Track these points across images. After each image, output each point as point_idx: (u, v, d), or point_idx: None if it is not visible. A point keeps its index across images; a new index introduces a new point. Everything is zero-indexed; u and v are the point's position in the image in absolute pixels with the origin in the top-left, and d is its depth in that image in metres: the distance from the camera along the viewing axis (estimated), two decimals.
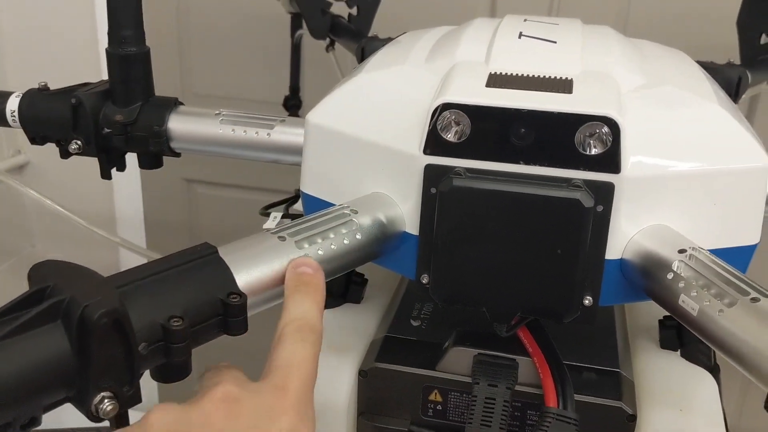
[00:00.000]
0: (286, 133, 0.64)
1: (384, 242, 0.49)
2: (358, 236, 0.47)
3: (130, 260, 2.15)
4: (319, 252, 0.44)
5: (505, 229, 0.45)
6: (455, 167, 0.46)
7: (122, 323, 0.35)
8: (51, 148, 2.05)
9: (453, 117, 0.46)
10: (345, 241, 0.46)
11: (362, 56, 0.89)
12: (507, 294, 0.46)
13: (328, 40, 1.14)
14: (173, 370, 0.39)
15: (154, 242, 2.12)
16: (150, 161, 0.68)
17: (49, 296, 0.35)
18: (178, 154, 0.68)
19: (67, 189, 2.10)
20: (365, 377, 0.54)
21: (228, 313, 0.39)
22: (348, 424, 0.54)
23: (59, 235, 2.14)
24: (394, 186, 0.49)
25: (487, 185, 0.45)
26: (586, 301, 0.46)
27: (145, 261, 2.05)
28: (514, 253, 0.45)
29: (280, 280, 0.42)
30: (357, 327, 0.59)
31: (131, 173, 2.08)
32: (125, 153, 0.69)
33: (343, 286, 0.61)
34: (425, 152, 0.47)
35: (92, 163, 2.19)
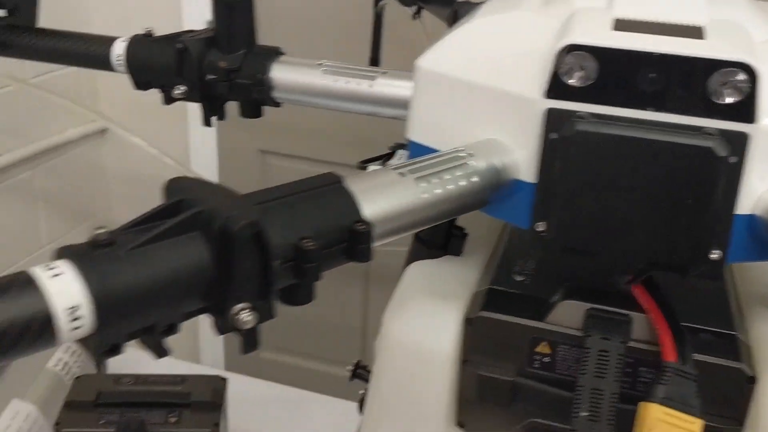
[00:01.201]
0: (387, 85, 0.63)
1: (497, 189, 0.48)
2: (474, 179, 0.46)
3: None
4: (436, 191, 0.44)
5: (630, 177, 0.44)
6: (578, 112, 0.45)
7: (261, 237, 0.35)
8: (132, 115, 2.10)
9: (577, 60, 0.45)
10: (461, 183, 0.46)
11: (454, 20, 0.88)
12: (630, 245, 0.45)
13: (415, 7, 1.13)
14: (300, 293, 0.39)
15: None
16: (251, 110, 0.69)
17: (185, 209, 0.36)
18: (278, 104, 0.68)
19: (146, 155, 2.15)
20: (471, 326, 0.54)
21: (354, 240, 0.39)
22: (452, 371, 0.54)
23: (136, 199, 2.20)
24: (510, 131, 0.48)
25: (613, 130, 0.44)
26: (714, 255, 0.44)
27: None
28: (639, 202, 0.44)
29: (401, 214, 0.42)
30: (459, 278, 0.58)
31: (209, 141, 2.12)
32: (226, 101, 0.70)
33: (444, 237, 0.60)
34: (547, 96, 0.46)
35: (170, 131, 2.23)
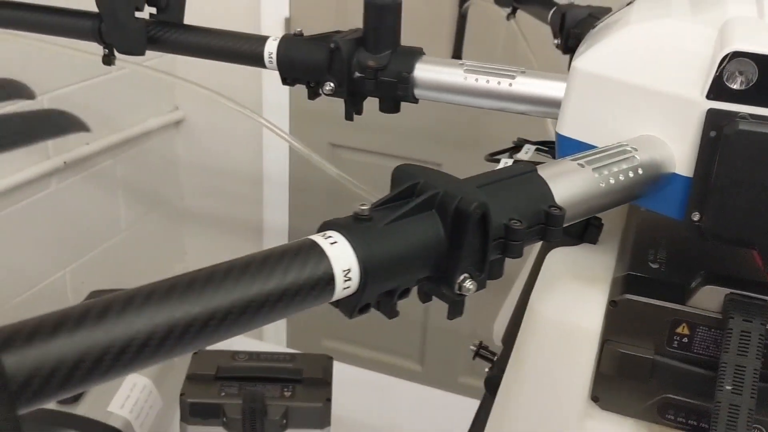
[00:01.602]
0: (527, 84, 0.68)
1: (655, 181, 0.53)
2: (639, 171, 0.51)
3: (274, 218, 2.27)
4: (610, 181, 0.49)
5: None
6: (737, 113, 0.50)
7: (486, 216, 0.40)
8: (206, 106, 2.18)
9: (739, 65, 0.50)
10: (629, 175, 0.51)
11: (562, 23, 0.93)
12: None
13: (510, 8, 1.18)
14: (498, 268, 0.44)
15: (296, 202, 2.23)
16: (390, 106, 0.75)
17: (420, 191, 0.41)
18: (416, 101, 0.74)
19: (219, 146, 2.23)
20: (615, 307, 0.59)
21: (549, 222, 0.45)
22: (595, 349, 0.59)
23: (207, 189, 2.28)
24: (669, 129, 0.53)
25: None
26: None
27: (286, 220, 2.16)
28: None
29: (582, 201, 0.47)
30: (599, 264, 0.63)
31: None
32: (366, 97, 0.75)
33: (582, 227, 0.65)
34: (708, 97, 0.51)
35: (243, 124, 2.31)
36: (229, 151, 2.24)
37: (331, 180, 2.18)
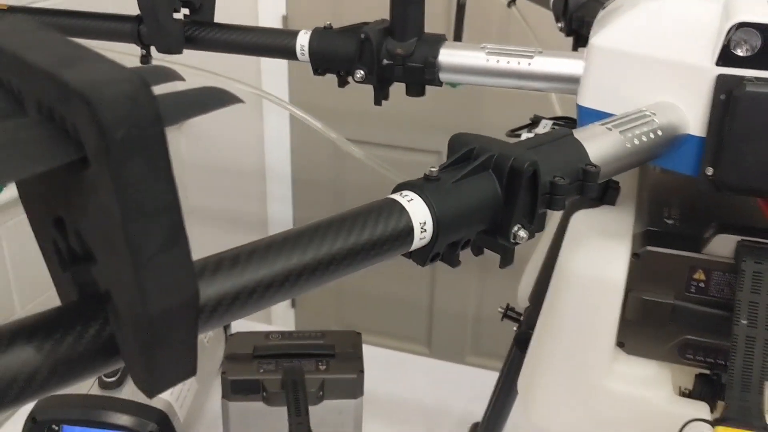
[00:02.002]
0: (544, 63, 0.74)
1: (672, 142, 0.59)
2: (659, 133, 0.58)
3: (279, 212, 2.32)
4: (635, 142, 0.56)
5: None
6: (744, 77, 0.56)
7: (537, 174, 0.47)
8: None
9: (744, 35, 0.56)
10: (651, 137, 0.57)
11: (565, 7, 0.99)
12: None
13: None
14: (541, 221, 0.51)
15: (300, 197, 2.29)
16: (417, 90, 0.81)
17: (477, 155, 0.48)
18: (441, 84, 0.80)
19: (221, 144, 2.29)
20: (638, 259, 0.65)
21: (587, 178, 0.51)
22: (620, 298, 0.66)
23: (212, 187, 2.33)
24: (682, 95, 0.60)
25: None
26: None
27: (290, 213, 2.22)
28: None
29: (613, 160, 0.54)
30: (619, 222, 0.69)
31: (283, 129, 2.24)
32: (392, 84, 0.81)
33: (602, 190, 0.72)
34: (717, 64, 0.57)
35: (245, 120, 2.37)
36: (232, 148, 2.30)
37: (333, 171, 2.24)
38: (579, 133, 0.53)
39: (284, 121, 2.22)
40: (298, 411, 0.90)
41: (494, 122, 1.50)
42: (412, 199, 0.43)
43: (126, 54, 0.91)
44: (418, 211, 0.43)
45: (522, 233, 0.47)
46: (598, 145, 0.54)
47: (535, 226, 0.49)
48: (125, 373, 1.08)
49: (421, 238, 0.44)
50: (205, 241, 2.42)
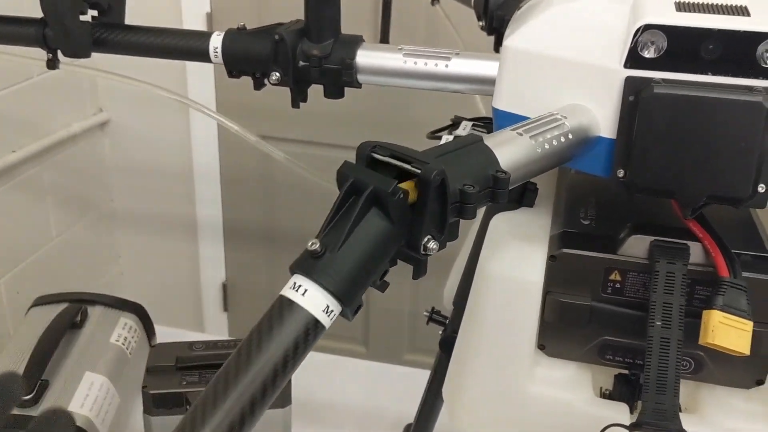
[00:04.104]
0: (461, 65, 0.74)
1: (584, 145, 0.59)
2: (570, 136, 0.57)
3: (208, 214, 2.27)
4: (546, 146, 0.55)
5: (696, 128, 0.55)
6: (652, 78, 0.56)
7: (445, 183, 0.45)
8: (131, 107, 2.18)
9: (651, 37, 0.56)
10: (561, 140, 0.57)
11: (486, 6, 0.99)
12: (695, 183, 0.57)
13: None
14: (455, 229, 0.50)
15: (229, 198, 2.24)
16: (335, 92, 0.79)
17: (358, 189, 0.47)
18: (360, 86, 0.78)
19: (147, 144, 2.22)
20: (554, 261, 0.65)
21: (497, 185, 0.50)
22: (539, 300, 0.65)
23: (137, 189, 2.26)
24: (592, 97, 0.60)
25: (682, 91, 0.55)
26: (761, 189, 0.56)
27: (220, 214, 2.17)
28: (703, 148, 0.56)
29: (523, 165, 0.53)
30: (537, 224, 0.69)
31: (209, 130, 2.20)
32: (310, 85, 0.79)
33: (520, 193, 0.71)
34: (625, 66, 0.57)
35: (171, 120, 2.31)
36: (158, 150, 2.23)
37: (262, 172, 2.20)
38: (489, 140, 0.53)
39: (211, 120, 2.17)
40: None
41: (424, 118, 1.50)
42: (306, 290, 0.43)
43: (33, 59, 0.86)
44: (315, 300, 0.43)
45: (432, 245, 0.46)
46: (509, 150, 0.53)
47: (447, 236, 0.48)
48: (41, 391, 1.04)
49: (331, 317, 0.44)
50: (132, 244, 2.35)
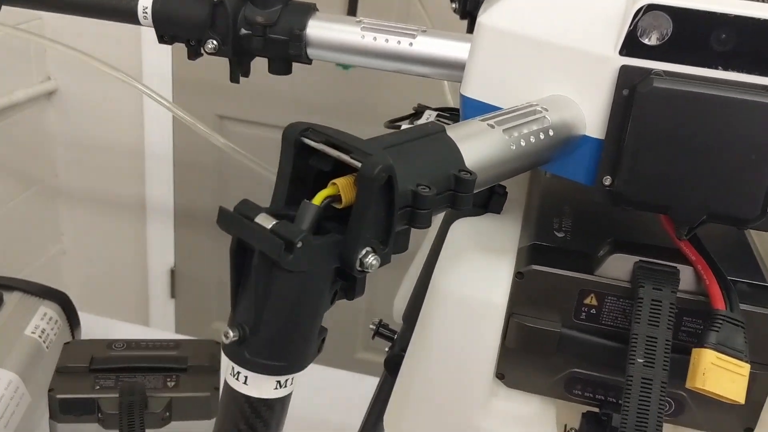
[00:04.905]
0: (428, 44, 0.64)
1: (566, 144, 0.50)
2: (550, 133, 0.48)
3: (158, 195, 2.14)
4: (521, 143, 0.45)
5: (700, 132, 0.46)
6: (652, 69, 0.47)
7: (393, 181, 0.35)
8: (81, 77, 2.04)
9: (654, 20, 0.47)
10: (540, 137, 0.47)
11: None
12: (694, 198, 0.48)
13: None
14: (402, 240, 0.40)
15: (181, 179, 2.11)
16: (281, 67, 0.68)
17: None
18: (310, 61, 0.68)
19: (96, 119, 2.08)
20: (521, 279, 0.55)
21: (459, 188, 0.40)
22: (501, 323, 0.56)
23: (84, 165, 2.12)
24: (579, 88, 0.50)
25: (686, 87, 0.46)
26: None
27: (171, 196, 2.05)
28: (707, 157, 0.47)
29: (493, 165, 0.43)
30: (504, 234, 0.60)
31: (164, 108, 2.07)
32: (255, 57, 0.69)
33: (486, 197, 0.62)
34: (621, 53, 0.48)
35: (122, 93, 2.16)
36: (108, 124, 2.10)
37: (218, 154, 2.08)
38: (454, 131, 0.43)
39: (167, 94, 2.04)
40: None
41: (391, 104, 1.38)
42: (246, 377, 0.39)
43: None
44: (260, 384, 0.39)
45: (372, 259, 0.36)
46: (477, 146, 0.43)
47: (391, 248, 0.38)
48: None
49: (289, 383, 0.40)
50: (76, 223, 2.22)
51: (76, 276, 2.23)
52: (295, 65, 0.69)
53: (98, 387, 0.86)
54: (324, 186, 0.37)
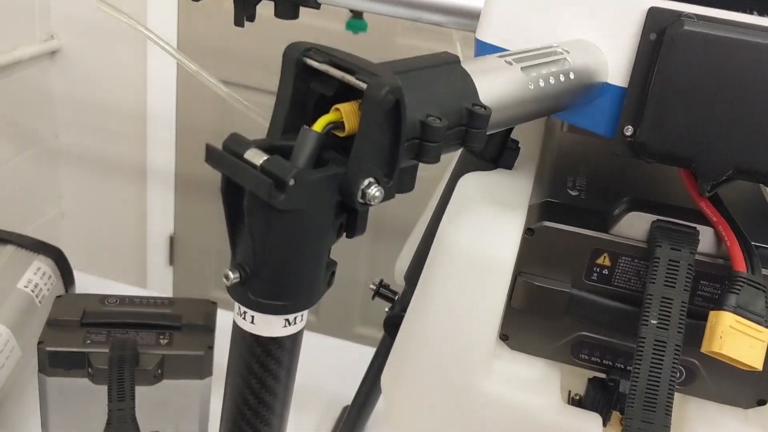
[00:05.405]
0: None
1: (586, 90, 0.47)
2: (571, 76, 0.45)
3: (160, 160, 2.11)
4: (540, 83, 0.42)
5: (731, 81, 0.43)
6: (682, 12, 0.44)
7: (401, 105, 0.33)
8: (86, 36, 1.99)
9: None
10: (560, 79, 0.44)
11: None
12: (721, 152, 0.45)
13: None
14: (408, 178, 0.37)
15: (183, 144, 2.08)
16: (288, 11, 0.65)
17: None
18: (318, 6, 0.65)
19: (99, 80, 2.05)
20: (531, 235, 0.53)
21: (472, 123, 0.37)
22: (508, 281, 0.53)
23: (85, 127, 2.09)
24: (602, 32, 0.47)
25: (720, 32, 0.43)
26: None
27: (173, 162, 2.01)
28: (737, 107, 0.44)
29: (510, 105, 0.40)
30: (515, 190, 0.57)
31: (168, 70, 2.04)
32: (259, 1, 0.66)
33: (497, 151, 0.59)
34: None
35: (127, 56, 2.13)
36: (111, 86, 2.06)
37: (221, 121, 2.05)
38: (469, 65, 0.40)
39: (171, 60, 2.00)
40: (122, 394, 0.75)
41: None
42: (253, 316, 0.37)
43: None
44: (268, 325, 0.37)
45: (375, 190, 0.34)
46: (493, 81, 0.40)
47: (396, 182, 0.35)
48: None
49: (299, 320, 0.39)
50: (76, 186, 2.19)
51: (74, 239, 2.20)
52: (303, 13, 0.66)
53: (89, 341, 0.84)
54: (326, 113, 0.35)
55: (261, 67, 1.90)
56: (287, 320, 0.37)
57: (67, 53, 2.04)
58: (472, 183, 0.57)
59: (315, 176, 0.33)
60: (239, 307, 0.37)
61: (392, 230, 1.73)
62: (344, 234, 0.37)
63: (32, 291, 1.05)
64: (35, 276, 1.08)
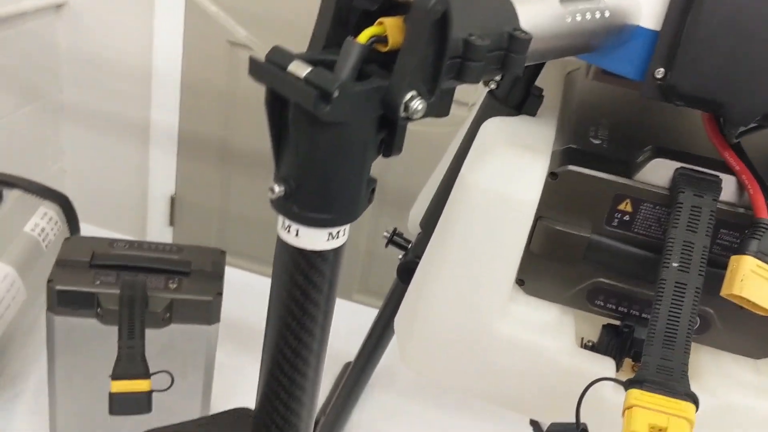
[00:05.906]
0: None
1: (618, 32, 0.47)
2: (606, 14, 0.45)
3: (163, 119, 2.10)
4: (577, 17, 0.42)
5: (765, 22, 0.43)
6: None
7: (448, 18, 0.33)
8: None
9: None
10: (596, 15, 0.44)
11: None
12: (753, 97, 0.45)
13: None
14: (446, 103, 0.37)
15: (187, 105, 2.07)
16: None
17: None
18: None
19: (104, 36, 2.03)
20: (554, 179, 0.53)
21: (512, 47, 0.37)
22: (530, 224, 0.53)
23: (89, 83, 2.08)
24: None
25: None
26: None
27: (176, 122, 2.00)
28: None
29: (548, 36, 0.40)
30: (539, 135, 0.57)
31: (175, 29, 2.02)
32: None
33: (521, 98, 0.59)
34: None
35: (133, 13, 2.10)
36: (116, 42, 2.05)
37: (226, 82, 2.04)
38: None
39: (178, 17, 1.99)
40: (132, 333, 0.75)
41: None
42: (297, 230, 0.38)
43: None
44: (312, 238, 0.38)
45: (417, 104, 0.34)
46: (533, 9, 0.40)
47: (437, 99, 0.35)
48: None
49: (338, 238, 0.39)
50: (78, 141, 2.18)
51: (75, 196, 2.19)
52: None
53: (98, 282, 0.84)
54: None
55: (268, 27, 1.89)
56: (330, 234, 0.37)
57: (73, 8, 2.02)
58: (496, 126, 0.57)
59: (359, 88, 0.33)
60: (284, 221, 0.38)
61: (395, 200, 1.74)
62: (380, 153, 0.37)
63: (38, 235, 1.05)
64: (42, 220, 1.08)
